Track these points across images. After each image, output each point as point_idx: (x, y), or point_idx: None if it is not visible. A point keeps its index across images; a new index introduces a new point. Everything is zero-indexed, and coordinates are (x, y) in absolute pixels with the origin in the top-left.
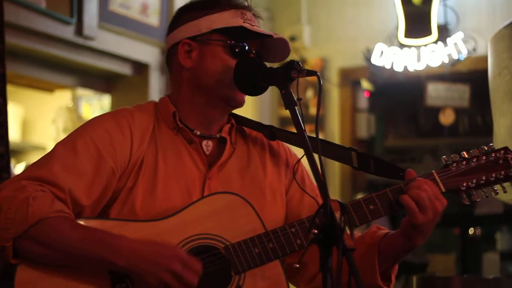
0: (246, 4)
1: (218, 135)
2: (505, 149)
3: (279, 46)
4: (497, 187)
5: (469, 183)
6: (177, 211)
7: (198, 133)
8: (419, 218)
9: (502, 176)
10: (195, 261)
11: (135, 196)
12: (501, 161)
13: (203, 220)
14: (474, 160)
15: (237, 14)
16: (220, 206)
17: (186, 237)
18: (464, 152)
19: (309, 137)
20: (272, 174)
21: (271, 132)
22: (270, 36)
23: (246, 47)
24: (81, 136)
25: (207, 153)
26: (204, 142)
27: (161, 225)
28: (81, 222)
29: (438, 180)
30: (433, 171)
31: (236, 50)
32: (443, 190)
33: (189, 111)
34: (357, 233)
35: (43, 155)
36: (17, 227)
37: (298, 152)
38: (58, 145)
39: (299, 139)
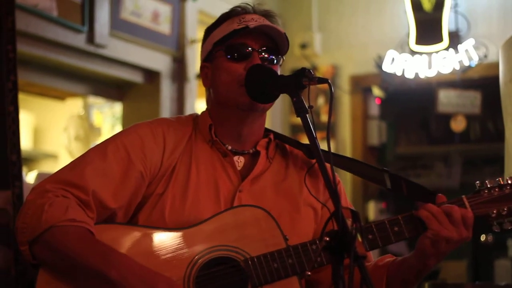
0: (249, 6)
1: (251, 150)
2: None
3: (276, 35)
4: None
5: (501, 211)
6: (201, 221)
7: (230, 147)
8: (444, 231)
9: None
10: None
11: (164, 203)
12: None
13: (226, 232)
14: (508, 187)
15: (234, 21)
16: (243, 218)
17: (208, 247)
18: (500, 179)
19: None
20: (309, 190)
21: (308, 151)
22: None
23: (244, 48)
24: (114, 141)
25: (239, 168)
26: (236, 158)
27: (184, 234)
28: (107, 227)
29: (467, 205)
30: (463, 196)
31: (233, 54)
32: (472, 220)
33: (221, 127)
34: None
35: (54, 163)
36: (31, 231)
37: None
38: (90, 149)
39: (310, 147)
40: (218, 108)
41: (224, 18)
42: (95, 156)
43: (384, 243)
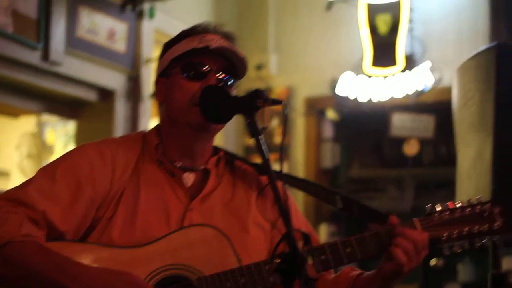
0: (210, 26)
1: (202, 167)
2: (492, 202)
3: (235, 57)
4: (481, 240)
5: (451, 234)
6: (153, 240)
7: (179, 165)
8: (405, 266)
9: (485, 230)
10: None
11: (113, 226)
12: (486, 214)
13: (179, 251)
14: (459, 211)
15: (194, 39)
16: (196, 238)
17: (160, 266)
18: (449, 203)
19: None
20: (257, 209)
21: (259, 168)
22: (223, 49)
23: (201, 67)
24: (63, 163)
25: (188, 185)
26: (185, 175)
27: (136, 252)
28: (59, 244)
29: (419, 228)
30: (414, 218)
31: (190, 73)
32: (427, 241)
33: (171, 144)
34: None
35: (6, 180)
36: None
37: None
38: (39, 171)
39: (263, 168)
40: (169, 125)
41: (184, 35)
42: (44, 179)
43: (336, 265)
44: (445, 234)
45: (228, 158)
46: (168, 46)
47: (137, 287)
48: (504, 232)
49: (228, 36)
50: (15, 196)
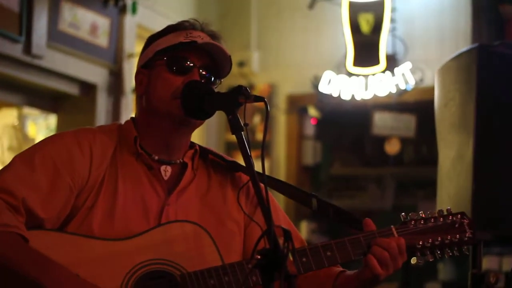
0: (198, 23)
1: (179, 161)
2: (462, 214)
3: (220, 56)
4: (450, 249)
5: (425, 243)
6: (136, 234)
7: (157, 158)
8: (381, 275)
9: (456, 240)
10: None
11: (93, 216)
12: (457, 225)
13: (162, 246)
14: (432, 220)
15: (181, 34)
16: (180, 233)
17: (143, 260)
18: (422, 212)
19: (263, 170)
20: (232, 203)
21: (234, 166)
22: (211, 45)
23: (186, 62)
24: (40, 150)
25: (165, 178)
26: (163, 167)
27: (119, 246)
28: (40, 233)
29: (395, 235)
30: (392, 226)
31: (174, 66)
32: (404, 247)
33: (148, 137)
34: None
35: None
36: None
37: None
38: (16, 158)
39: (245, 165)
40: (148, 117)
41: (171, 29)
42: (22, 166)
43: (317, 267)
44: (420, 243)
45: (202, 152)
46: (153, 38)
47: None
48: (472, 243)
49: (214, 35)
50: None
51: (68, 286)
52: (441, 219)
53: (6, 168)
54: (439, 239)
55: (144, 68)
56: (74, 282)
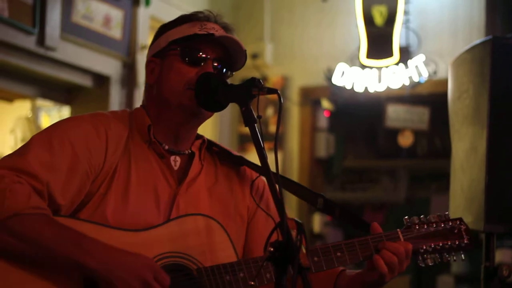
0: (212, 15)
1: (187, 151)
2: (460, 219)
3: (235, 49)
4: (450, 255)
5: (427, 247)
6: (154, 225)
7: (167, 147)
8: (388, 278)
9: (455, 245)
10: (166, 275)
11: (107, 203)
12: (456, 231)
13: (178, 239)
14: (434, 225)
15: (195, 24)
16: (195, 227)
17: (161, 252)
18: (422, 216)
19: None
20: (238, 196)
21: (240, 160)
22: (228, 39)
23: (201, 54)
24: (58, 134)
25: (175, 168)
26: (172, 158)
27: (136, 237)
28: (60, 220)
29: (402, 239)
30: (398, 229)
31: (188, 57)
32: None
33: (159, 126)
34: None
35: None
36: None
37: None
38: (34, 140)
39: (258, 157)
40: (158, 106)
41: (185, 19)
42: (42, 149)
43: (328, 267)
44: (423, 247)
45: (208, 144)
46: (165, 28)
47: (153, 271)
48: (470, 249)
49: (227, 28)
50: (17, 165)
51: (112, 261)
52: (442, 224)
53: (25, 150)
54: (440, 244)
55: (156, 57)
56: (117, 255)
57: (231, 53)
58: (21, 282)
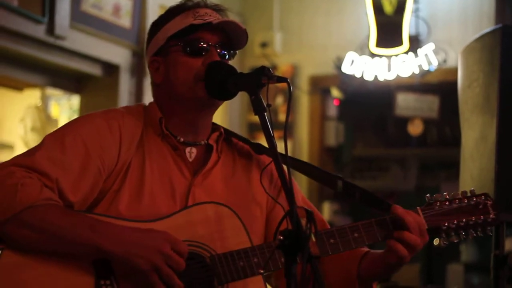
0: (201, 1)
1: (203, 142)
2: (485, 195)
3: (235, 31)
4: (474, 230)
5: (450, 224)
6: (167, 215)
7: (182, 139)
8: (407, 258)
9: (480, 221)
10: (183, 244)
11: (120, 199)
12: (481, 206)
13: (192, 227)
14: (456, 201)
15: (188, 14)
16: (210, 215)
17: None
18: (446, 193)
19: (286, 151)
20: (256, 186)
21: (256, 147)
22: (225, 23)
23: (202, 43)
24: (71, 132)
25: (190, 160)
26: (188, 149)
27: (151, 226)
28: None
29: (422, 217)
30: (418, 207)
31: (191, 49)
32: (426, 227)
33: (173, 120)
34: None
35: (10, 153)
36: (4, 212)
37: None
38: (46, 139)
39: (268, 146)
40: (171, 102)
41: (175, 12)
42: (54, 147)
43: (345, 248)
44: (445, 224)
45: (226, 135)
46: (159, 25)
47: (170, 242)
48: (496, 224)
49: (218, 9)
50: (27, 163)
51: (130, 243)
52: (465, 200)
53: (37, 148)
54: (464, 220)
55: (158, 55)
56: (133, 237)
57: (231, 35)
58: (35, 277)
